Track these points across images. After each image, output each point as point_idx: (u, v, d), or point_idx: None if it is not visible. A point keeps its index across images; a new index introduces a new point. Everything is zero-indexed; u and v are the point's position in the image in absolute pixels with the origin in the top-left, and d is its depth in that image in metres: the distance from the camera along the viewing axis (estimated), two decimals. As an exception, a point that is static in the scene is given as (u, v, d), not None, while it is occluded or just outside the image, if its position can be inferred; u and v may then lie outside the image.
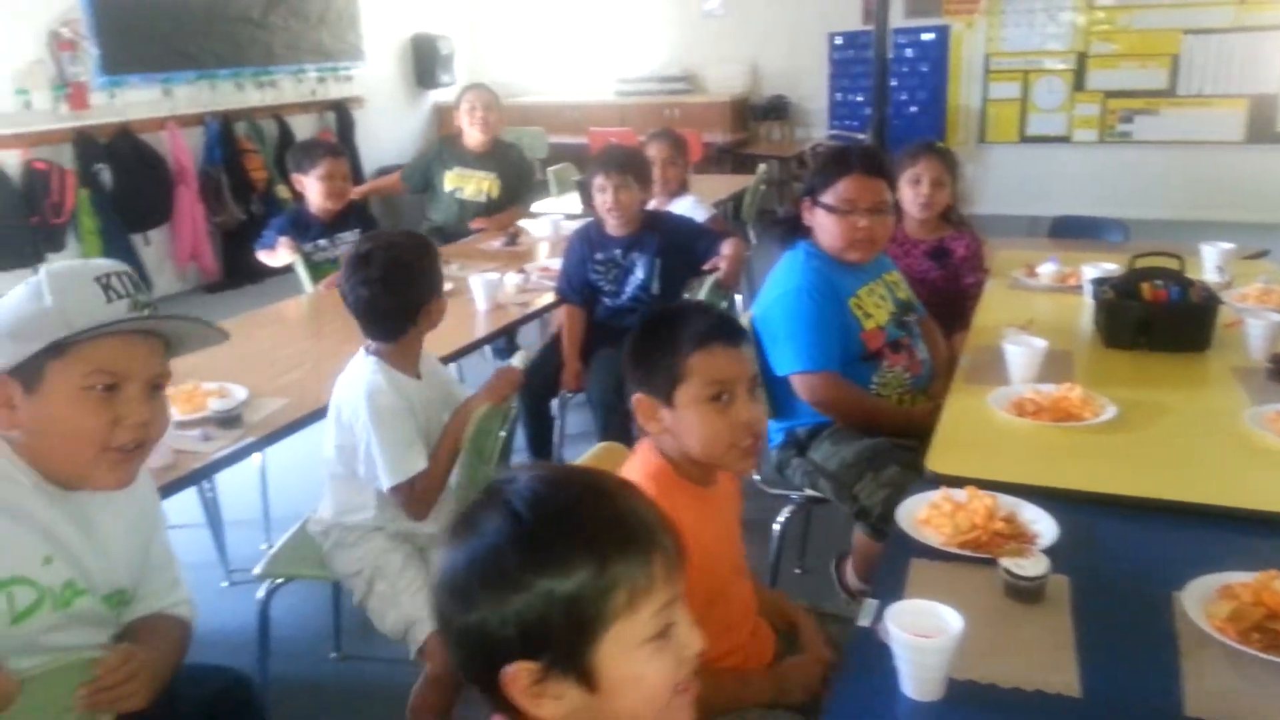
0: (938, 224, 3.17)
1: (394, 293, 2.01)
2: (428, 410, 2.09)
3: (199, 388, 2.34)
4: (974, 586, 1.45)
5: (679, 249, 3.20)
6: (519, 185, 4.59)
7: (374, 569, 2.06)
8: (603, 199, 3.18)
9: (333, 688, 2.54)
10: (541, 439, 3.35)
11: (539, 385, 3.18)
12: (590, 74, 8.60)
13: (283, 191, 6.85)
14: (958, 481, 1.70)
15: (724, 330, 1.48)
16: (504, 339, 3.91)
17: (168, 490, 2.02)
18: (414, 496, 2.03)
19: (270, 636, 2.27)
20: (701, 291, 3.11)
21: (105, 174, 5.79)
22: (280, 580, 2.21)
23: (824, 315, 2.30)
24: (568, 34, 8.70)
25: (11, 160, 5.40)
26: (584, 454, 3.11)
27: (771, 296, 2.37)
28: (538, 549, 0.89)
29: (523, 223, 4.30)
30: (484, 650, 0.89)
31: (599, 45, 8.61)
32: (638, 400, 1.48)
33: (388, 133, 8.05)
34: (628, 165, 3.15)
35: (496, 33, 8.96)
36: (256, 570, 2.21)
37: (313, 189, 3.59)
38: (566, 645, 0.88)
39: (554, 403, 3.33)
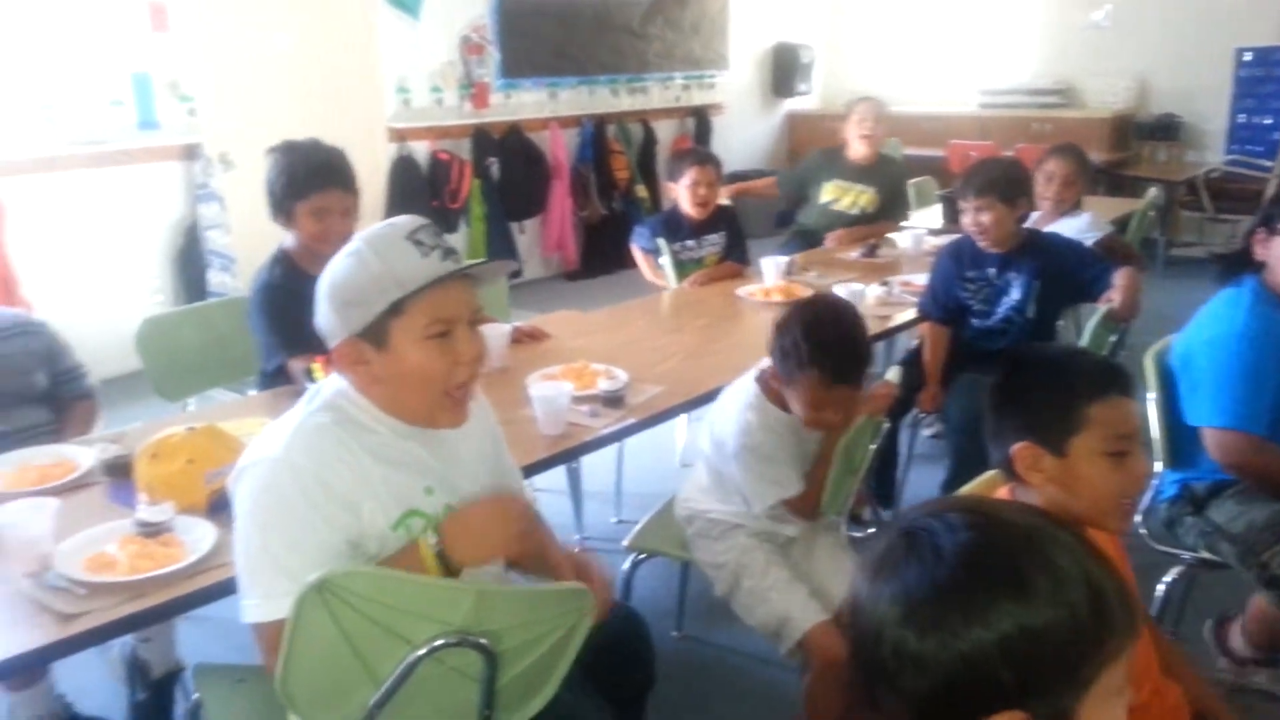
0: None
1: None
2: (801, 432, 2.11)
3: (588, 367, 2.53)
4: None
5: (1062, 273, 3.00)
6: (895, 202, 4.53)
7: (739, 565, 2.12)
8: (965, 221, 3.07)
9: (670, 665, 2.62)
10: (886, 458, 3.28)
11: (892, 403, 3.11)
12: (951, 84, 8.30)
13: (641, 191, 7.28)
14: None
15: (1121, 380, 1.42)
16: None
17: (561, 459, 2.21)
18: (793, 509, 2.09)
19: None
20: (1090, 322, 2.89)
21: (495, 167, 6.43)
22: (644, 555, 2.34)
23: (1262, 368, 2.05)
24: (930, 43, 8.46)
25: (421, 150, 6.13)
26: (940, 479, 3.04)
27: (1202, 336, 2.15)
28: (1044, 583, 0.82)
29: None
30: (966, 688, 0.82)
31: (962, 55, 8.29)
32: (1022, 449, 1.41)
33: (740, 139, 8.26)
34: (989, 186, 2.99)
35: (856, 42, 8.91)
36: (625, 542, 2.35)
37: (681, 195, 3.78)
38: (1063, 690, 0.81)
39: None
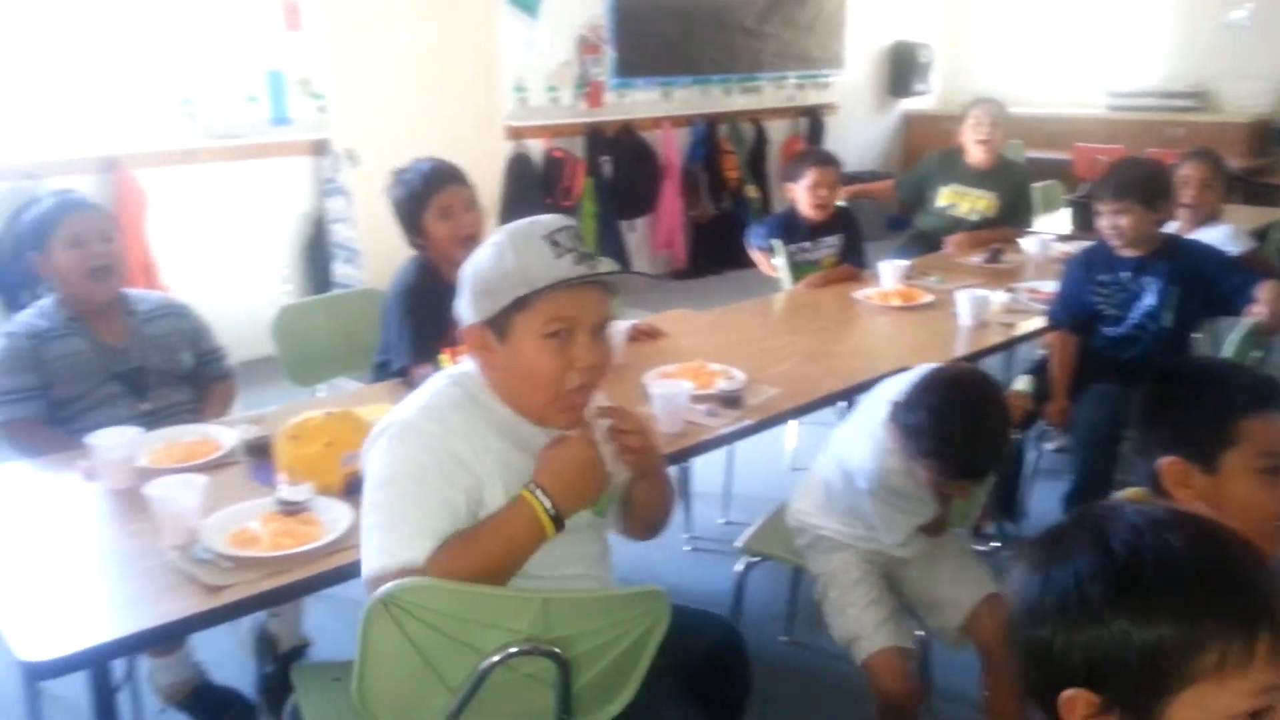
0: None
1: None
2: None
3: (705, 366, 2.52)
4: None
5: (1201, 280, 2.86)
6: (1018, 208, 4.37)
7: (829, 576, 2.09)
8: (1102, 224, 2.96)
9: (778, 669, 2.63)
10: (1011, 471, 3.18)
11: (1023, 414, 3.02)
12: (1077, 86, 8.02)
13: (751, 191, 7.24)
14: None
15: (1278, 396, 1.38)
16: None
17: (678, 458, 2.21)
18: (923, 529, 2.06)
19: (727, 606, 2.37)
20: (1233, 336, 2.75)
21: (607, 165, 6.48)
22: (757, 559, 2.32)
23: None
24: (1055, 43, 8.18)
25: (536, 148, 6.23)
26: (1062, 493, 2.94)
27: None
28: (1123, 589, 0.86)
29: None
30: (1045, 667, 0.90)
31: (1090, 54, 8.00)
32: (1170, 464, 1.36)
33: (855, 140, 8.13)
34: (1128, 188, 2.87)
35: (977, 41, 8.68)
36: (738, 544, 2.34)
37: (800, 196, 3.74)
38: (1135, 691, 0.85)
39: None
